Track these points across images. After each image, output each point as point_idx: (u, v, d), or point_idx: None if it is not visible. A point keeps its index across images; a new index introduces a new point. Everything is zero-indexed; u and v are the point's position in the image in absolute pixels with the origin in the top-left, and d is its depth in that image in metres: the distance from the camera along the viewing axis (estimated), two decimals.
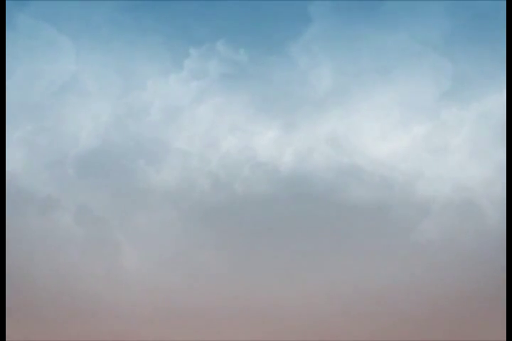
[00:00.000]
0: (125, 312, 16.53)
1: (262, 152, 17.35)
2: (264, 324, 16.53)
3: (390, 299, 16.41)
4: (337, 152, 17.31)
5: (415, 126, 17.34)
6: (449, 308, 16.38)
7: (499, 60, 16.76)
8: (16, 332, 16.27)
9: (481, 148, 17.12)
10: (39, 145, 17.28)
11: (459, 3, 17.27)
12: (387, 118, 17.40)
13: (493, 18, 17.11)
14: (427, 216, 16.80)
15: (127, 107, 17.50)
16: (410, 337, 16.40)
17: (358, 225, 16.76)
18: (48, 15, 17.44)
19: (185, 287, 16.62)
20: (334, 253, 16.67)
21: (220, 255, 16.78)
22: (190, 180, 17.19)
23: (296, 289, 16.64)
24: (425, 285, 16.44)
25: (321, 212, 16.87)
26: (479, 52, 17.15)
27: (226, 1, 17.68)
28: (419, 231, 16.70)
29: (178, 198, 17.05)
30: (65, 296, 16.56)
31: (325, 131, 17.42)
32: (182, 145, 17.38)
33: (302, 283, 16.66)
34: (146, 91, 17.58)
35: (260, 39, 17.55)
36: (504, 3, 16.84)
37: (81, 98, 17.47)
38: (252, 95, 17.51)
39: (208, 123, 17.53)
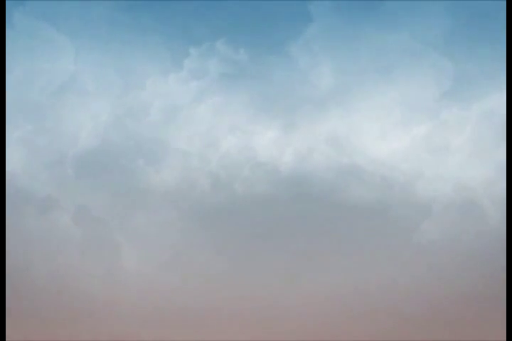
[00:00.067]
0: (124, 312, 16.50)
1: (262, 152, 17.32)
2: (264, 324, 16.51)
3: (390, 299, 16.39)
4: (337, 152, 17.28)
5: (416, 126, 17.31)
6: (449, 308, 16.36)
7: (500, 60, 16.73)
8: (16, 332, 16.23)
9: (481, 148, 17.09)
10: (38, 145, 17.24)
11: (460, 2, 17.26)
12: (387, 118, 17.37)
13: (493, 17, 17.09)
14: (427, 216, 16.78)
15: (126, 107, 17.46)
16: (410, 337, 16.37)
17: (359, 225, 16.73)
18: (46, 14, 17.40)
19: (185, 287, 16.59)
20: (334, 253, 16.64)
21: (220, 255, 16.75)
22: (189, 180, 17.16)
23: (296, 289, 16.62)
24: (426, 285, 16.42)
25: (321, 212, 16.85)
26: (480, 51, 17.13)
27: (226, 1, 17.65)
28: (420, 232, 16.67)
29: (177, 198, 17.01)
30: (64, 296, 16.53)
31: (325, 131, 17.39)
32: (182, 145, 17.34)
33: (302, 283, 16.64)
34: (145, 91, 17.54)
35: (260, 38, 17.52)
36: (505, 3, 16.82)
37: (80, 98, 17.43)
38: (252, 95, 17.48)
39: (207, 123, 17.49)
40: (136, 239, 16.88)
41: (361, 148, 17.26)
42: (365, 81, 17.36)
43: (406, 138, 17.31)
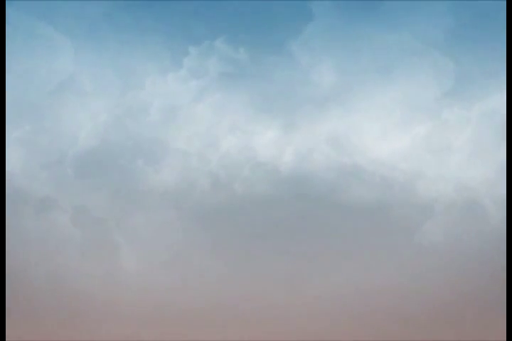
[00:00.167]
0: (124, 312, 16.47)
1: (262, 152, 17.27)
2: (264, 324, 16.50)
3: (391, 300, 16.37)
4: (337, 152, 17.23)
5: (416, 126, 17.27)
6: (451, 309, 16.35)
7: (502, 60, 16.68)
8: (16, 332, 16.19)
9: (483, 147, 17.06)
10: (37, 145, 17.16)
11: (461, 2, 17.20)
12: (388, 118, 17.32)
13: (495, 17, 17.03)
14: (429, 216, 16.76)
15: (126, 107, 17.38)
16: (411, 338, 16.35)
17: (359, 226, 16.70)
18: (44, 13, 17.31)
19: (184, 287, 16.57)
20: (335, 253, 16.62)
21: (220, 256, 16.72)
22: (189, 180, 17.10)
23: (296, 289, 16.60)
24: (427, 285, 16.41)
25: (322, 212, 16.81)
26: (481, 51, 17.09)
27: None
28: (421, 232, 16.65)
29: (177, 199, 16.96)
30: (63, 297, 16.50)
31: (325, 131, 17.34)
32: (181, 145, 17.28)
33: (302, 283, 16.62)
34: (144, 91, 17.47)
35: (260, 37, 17.44)
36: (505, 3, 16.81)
37: (79, 97, 17.35)
38: (252, 94, 17.41)
39: (207, 123, 17.43)
40: (136, 239, 16.83)
41: (362, 148, 17.22)
42: (365, 80, 17.32)
43: (407, 138, 17.27)
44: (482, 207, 16.79)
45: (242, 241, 16.78)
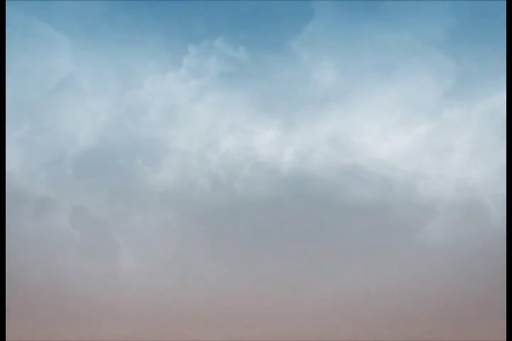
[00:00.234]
0: (123, 312, 16.45)
1: (262, 152, 17.23)
2: (264, 324, 16.49)
3: (392, 300, 16.36)
4: (338, 152, 17.19)
5: (417, 126, 17.24)
6: (452, 309, 16.33)
7: (503, 60, 16.61)
8: (16, 332, 16.17)
9: (484, 147, 17.02)
10: (36, 145, 17.11)
11: (462, 2, 17.14)
12: (388, 118, 17.29)
13: (496, 16, 16.97)
14: (430, 216, 16.72)
15: (125, 106, 17.33)
16: (412, 338, 16.33)
17: (360, 226, 16.67)
18: (44, 13, 17.24)
19: (184, 288, 16.54)
20: (335, 253, 16.60)
21: (219, 256, 16.69)
22: (189, 180, 17.06)
23: (296, 289, 16.59)
24: (429, 286, 16.39)
25: (322, 212, 16.78)
26: (483, 51, 17.06)
27: None
28: (422, 232, 16.63)
29: (177, 199, 16.92)
30: (62, 297, 16.47)
31: (326, 131, 17.30)
32: (181, 145, 17.23)
33: (302, 283, 16.61)
34: (144, 90, 17.43)
35: (260, 37, 17.38)
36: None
37: (78, 97, 17.30)
38: (252, 94, 17.37)
39: (207, 123, 17.38)
40: (135, 239, 16.80)
41: (362, 148, 17.18)
42: (366, 80, 17.28)
43: (407, 137, 17.23)
44: (483, 207, 16.75)
45: (242, 241, 16.74)
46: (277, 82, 17.37)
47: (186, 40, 17.44)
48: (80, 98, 17.25)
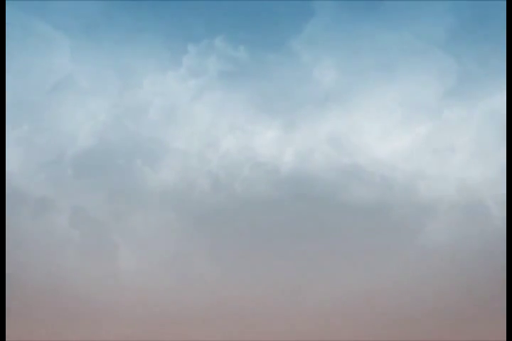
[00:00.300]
0: (122, 312, 16.45)
1: (262, 152, 17.20)
2: (264, 324, 16.49)
3: (393, 300, 16.36)
4: (338, 152, 17.16)
5: (418, 126, 17.22)
6: (453, 309, 16.32)
7: (503, 59, 16.58)
8: (16, 332, 16.17)
9: (485, 147, 17.00)
10: (35, 144, 17.08)
11: (462, 1, 17.12)
12: (389, 118, 17.26)
13: (497, 16, 16.94)
14: (430, 217, 16.71)
15: (124, 106, 17.30)
16: (412, 338, 16.34)
17: (360, 226, 16.66)
18: (43, 12, 17.20)
19: (183, 288, 16.53)
20: (335, 254, 16.59)
21: (219, 256, 16.69)
22: (189, 180, 17.03)
23: (296, 289, 16.59)
24: (430, 286, 16.39)
25: (322, 212, 16.76)
26: (484, 51, 17.02)
27: None
28: (423, 232, 16.62)
29: (176, 199, 16.90)
30: (62, 297, 16.47)
31: (326, 131, 17.28)
32: (181, 145, 17.20)
33: (302, 283, 16.60)
34: (143, 90, 17.40)
35: (260, 36, 17.34)
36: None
37: (77, 96, 17.26)
38: (252, 93, 17.34)
39: (207, 122, 17.35)
40: (135, 239, 16.79)
41: (362, 148, 17.16)
42: (366, 80, 17.24)
43: (408, 137, 17.21)
44: (484, 207, 16.73)
45: (242, 242, 16.73)
46: (277, 82, 17.34)
47: (186, 40, 17.39)
48: (79, 98, 17.22)
